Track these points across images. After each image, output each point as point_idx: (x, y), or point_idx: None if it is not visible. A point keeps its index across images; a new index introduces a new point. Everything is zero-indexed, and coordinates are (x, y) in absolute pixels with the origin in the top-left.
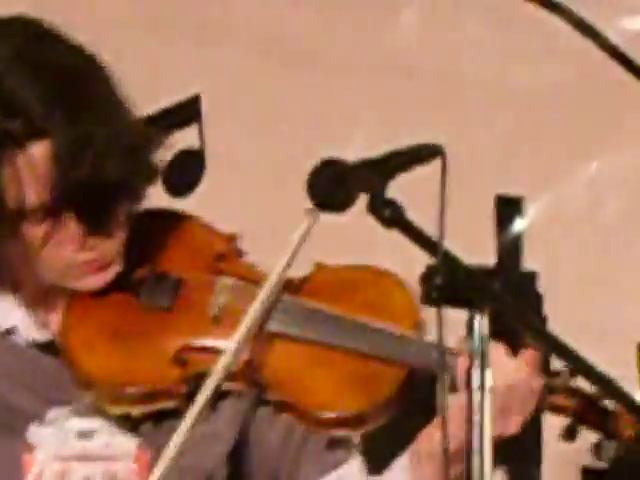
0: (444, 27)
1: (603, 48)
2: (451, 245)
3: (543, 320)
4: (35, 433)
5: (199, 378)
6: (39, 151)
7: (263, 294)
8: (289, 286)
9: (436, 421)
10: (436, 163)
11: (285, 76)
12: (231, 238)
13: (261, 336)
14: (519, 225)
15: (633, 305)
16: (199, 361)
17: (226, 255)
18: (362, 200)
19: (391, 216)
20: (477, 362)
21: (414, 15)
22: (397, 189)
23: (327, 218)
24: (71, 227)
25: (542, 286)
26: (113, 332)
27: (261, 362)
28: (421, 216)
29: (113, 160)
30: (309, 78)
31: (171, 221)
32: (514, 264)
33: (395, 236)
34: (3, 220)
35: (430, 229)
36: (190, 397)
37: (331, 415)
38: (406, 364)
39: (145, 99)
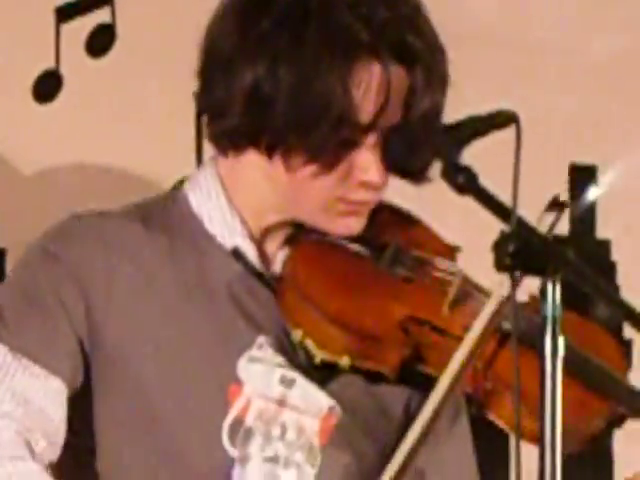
0: None
1: None
2: (524, 212)
3: (616, 288)
4: (244, 368)
5: (416, 348)
6: (401, 74)
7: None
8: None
9: None
10: (510, 130)
11: None
12: (455, 248)
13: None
14: (593, 193)
15: None
16: (420, 334)
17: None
18: (435, 166)
19: (465, 183)
20: (549, 329)
21: None
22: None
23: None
24: (377, 156)
25: (615, 254)
26: (345, 280)
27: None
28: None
29: (442, 105)
30: None
31: (404, 215)
32: (588, 232)
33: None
34: (343, 128)
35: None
36: (400, 369)
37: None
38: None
39: None
